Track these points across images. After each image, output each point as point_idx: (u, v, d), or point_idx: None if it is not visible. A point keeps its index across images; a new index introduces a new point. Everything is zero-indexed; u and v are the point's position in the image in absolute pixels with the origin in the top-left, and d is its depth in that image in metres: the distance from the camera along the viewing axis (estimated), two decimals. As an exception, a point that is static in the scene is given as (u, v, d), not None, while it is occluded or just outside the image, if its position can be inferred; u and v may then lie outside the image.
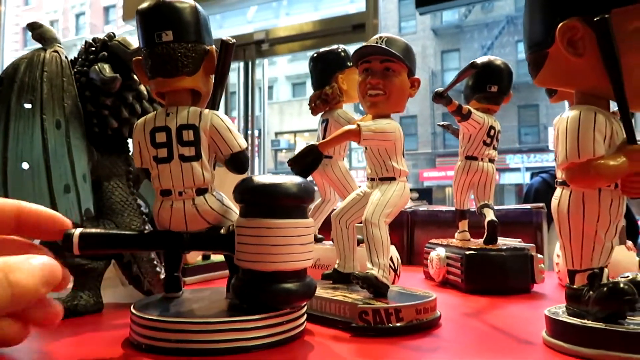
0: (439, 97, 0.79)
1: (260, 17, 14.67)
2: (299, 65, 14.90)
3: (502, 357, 0.46)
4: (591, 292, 0.45)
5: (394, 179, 0.62)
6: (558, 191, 0.49)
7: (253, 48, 3.38)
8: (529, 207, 1.08)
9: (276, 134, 15.18)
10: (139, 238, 0.49)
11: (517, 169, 12.75)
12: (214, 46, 0.51)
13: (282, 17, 14.89)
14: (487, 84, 0.83)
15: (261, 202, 0.48)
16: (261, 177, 0.49)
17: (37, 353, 0.48)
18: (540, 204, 1.10)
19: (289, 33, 3.39)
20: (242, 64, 3.42)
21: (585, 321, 0.45)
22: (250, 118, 3.39)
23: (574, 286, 0.47)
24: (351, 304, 0.53)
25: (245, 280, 0.48)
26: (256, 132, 3.59)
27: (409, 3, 13.17)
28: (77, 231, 0.34)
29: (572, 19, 0.45)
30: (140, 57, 0.51)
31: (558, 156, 0.46)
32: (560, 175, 0.48)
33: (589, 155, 0.44)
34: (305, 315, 0.51)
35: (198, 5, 0.51)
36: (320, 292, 0.59)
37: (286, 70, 15.16)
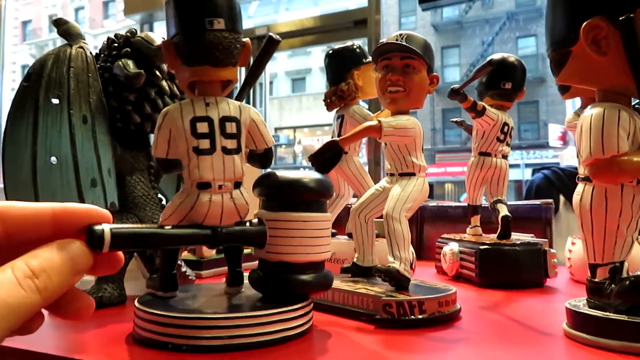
0: (455, 94, 0.79)
1: (261, 12, 14.64)
2: (299, 60, 14.89)
3: (524, 347, 0.47)
4: (613, 286, 0.46)
5: (413, 174, 0.63)
6: (580, 187, 0.50)
7: (255, 43, 3.38)
8: (539, 202, 1.09)
9: (276, 129, 15.19)
10: (173, 235, 0.46)
11: (517, 165, 12.78)
12: (249, 39, 0.51)
13: (282, 12, 14.86)
14: (502, 80, 0.84)
15: (285, 195, 0.49)
16: (284, 172, 0.51)
17: (64, 343, 0.49)
18: (549, 200, 1.11)
19: (290, 29, 3.38)
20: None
21: (607, 313, 0.46)
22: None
23: (596, 279, 0.48)
24: (374, 297, 0.55)
25: (269, 271, 0.49)
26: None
27: (410, -1, 13.17)
28: (107, 228, 0.32)
29: (596, 17, 0.46)
30: (171, 41, 0.49)
31: (582, 152, 0.47)
32: (582, 171, 0.49)
33: (613, 151, 0.45)
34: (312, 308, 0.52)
35: None
36: (341, 285, 0.60)
37: (286, 65, 15.15)
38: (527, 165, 11.47)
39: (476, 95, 0.88)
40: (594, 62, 0.48)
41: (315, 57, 12.31)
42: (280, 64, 15.11)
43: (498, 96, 0.85)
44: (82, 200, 0.57)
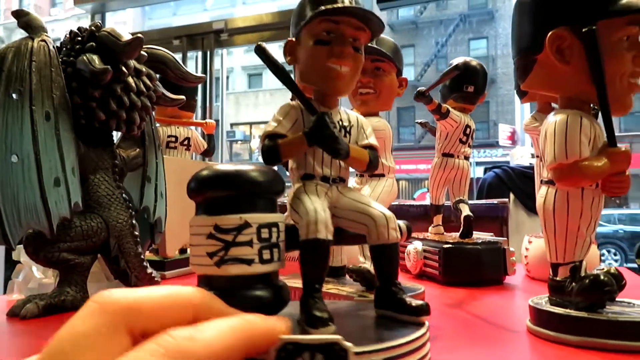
0: (421, 96, 0.81)
1: (217, 4, 14.41)
2: (256, 56, 14.71)
3: (492, 344, 0.49)
4: (574, 284, 0.49)
5: (382, 175, 0.64)
6: (544, 189, 0.52)
7: (212, 37, 3.33)
8: (496, 202, 1.13)
9: (231, 124, 15.00)
10: None
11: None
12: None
13: (238, 5, 14.67)
14: (464, 84, 0.86)
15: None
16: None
17: (26, 349, 0.47)
18: (505, 200, 1.15)
19: (249, 23, 3.35)
20: (200, 54, 3.37)
21: (568, 310, 0.49)
22: (208, 108, 3.35)
23: (557, 278, 0.51)
24: (346, 297, 0.55)
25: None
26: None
27: (367, -3, 13.28)
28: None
29: (560, 28, 0.49)
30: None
31: (546, 157, 0.49)
32: (545, 174, 0.52)
33: (575, 156, 0.47)
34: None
35: None
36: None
37: (242, 60, 14.97)
38: (477, 164, 11.82)
39: (440, 97, 0.90)
40: (558, 70, 0.50)
41: (273, 52, 12.22)
42: (236, 58, 14.92)
43: (461, 99, 0.88)
44: (44, 200, 0.55)
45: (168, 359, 0.20)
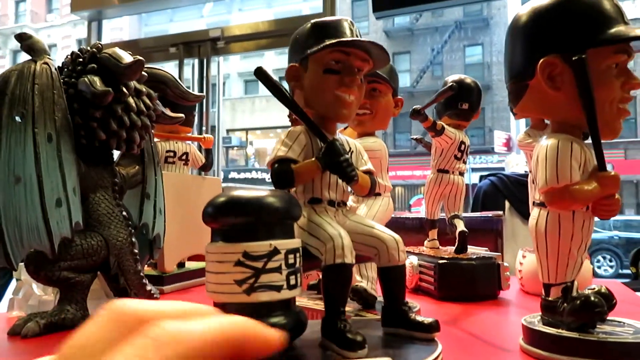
0: (417, 114, 0.82)
1: (213, 11, 14.45)
2: (252, 62, 14.78)
3: (486, 364, 0.50)
4: (565, 304, 0.50)
5: (379, 194, 0.65)
6: (536, 211, 0.53)
7: (208, 45, 3.35)
8: (490, 214, 1.15)
9: (227, 131, 15.01)
10: None
11: (464, 170, 13.16)
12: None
13: (234, 12, 14.72)
14: (459, 101, 0.88)
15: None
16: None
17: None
18: (500, 212, 1.17)
19: (245, 31, 3.37)
20: (196, 61, 3.38)
21: (560, 330, 0.50)
22: (205, 114, 3.36)
23: (550, 298, 0.52)
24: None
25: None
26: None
27: (363, 4, 13.35)
28: None
29: (551, 55, 0.50)
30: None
31: (538, 181, 0.50)
32: (537, 197, 0.53)
33: (566, 181, 0.48)
34: None
35: None
36: (308, 303, 0.62)
37: (239, 67, 15.01)
38: (473, 170, 11.87)
39: (435, 114, 0.91)
40: (549, 96, 0.51)
41: (269, 58, 12.29)
42: (233, 65, 14.96)
43: (455, 116, 0.89)
44: (46, 220, 0.56)
45: (157, 352, 0.20)
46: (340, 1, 13.72)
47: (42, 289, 0.71)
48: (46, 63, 0.60)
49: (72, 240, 0.60)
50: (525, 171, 2.37)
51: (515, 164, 3.03)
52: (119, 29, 12.74)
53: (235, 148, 15.58)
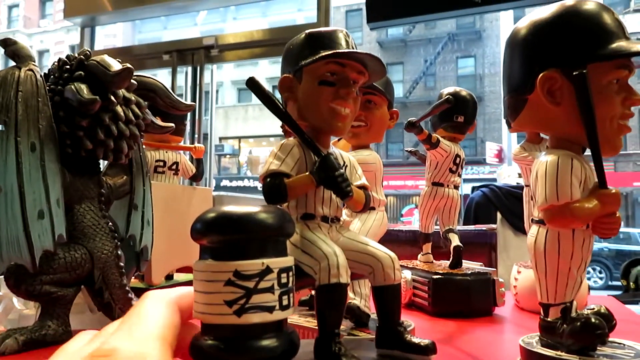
0: (412, 127, 0.81)
1: (207, 19, 14.47)
2: (245, 70, 14.79)
3: (483, 387, 0.48)
4: (565, 326, 0.49)
5: (373, 208, 0.63)
6: (534, 229, 0.52)
7: (202, 53, 3.34)
8: (484, 228, 1.13)
9: (220, 138, 14.97)
10: None
11: (455, 181, 13.21)
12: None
13: (229, 21, 14.74)
14: (454, 114, 0.87)
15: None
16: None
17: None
18: (494, 225, 1.15)
19: (239, 40, 3.36)
20: (190, 69, 3.37)
21: (559, 353, 0.48)
22: (197, 122, 3.34)
23: (548, 319, 0.50)
24: (335, 335, 0.54)
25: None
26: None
27: (357, 15, 13.43)
28: None
29: (551, 70, 0.49)
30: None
31: (538, 198, 0.49)
32: (536, 214, 0.51)
33: (567, 198, 0.47)
34: None
35: None
36: (299, 320, 0.60)
37: (232, 75, 15.01)
38: (465, 180, 11.91)
39: (430, 126, 0.90)
40: (549, 111, 0.50)
41: (262, 67, 12.29)
42: (226, 73, 14.96)
43: (451, 128, 0.88)
44: (27, 233, 0.54)
45: None
46: (335, 11, 13.80)
47: (23, 303, 0.68)
48: (31, 70, 0.58)
49: (54, 253, 0.58)
50: (518, 183, 2.38)
51: (507, 175, 3.03)
52: (112, 36, 12.71)
53: (228, 156, 15.54)
